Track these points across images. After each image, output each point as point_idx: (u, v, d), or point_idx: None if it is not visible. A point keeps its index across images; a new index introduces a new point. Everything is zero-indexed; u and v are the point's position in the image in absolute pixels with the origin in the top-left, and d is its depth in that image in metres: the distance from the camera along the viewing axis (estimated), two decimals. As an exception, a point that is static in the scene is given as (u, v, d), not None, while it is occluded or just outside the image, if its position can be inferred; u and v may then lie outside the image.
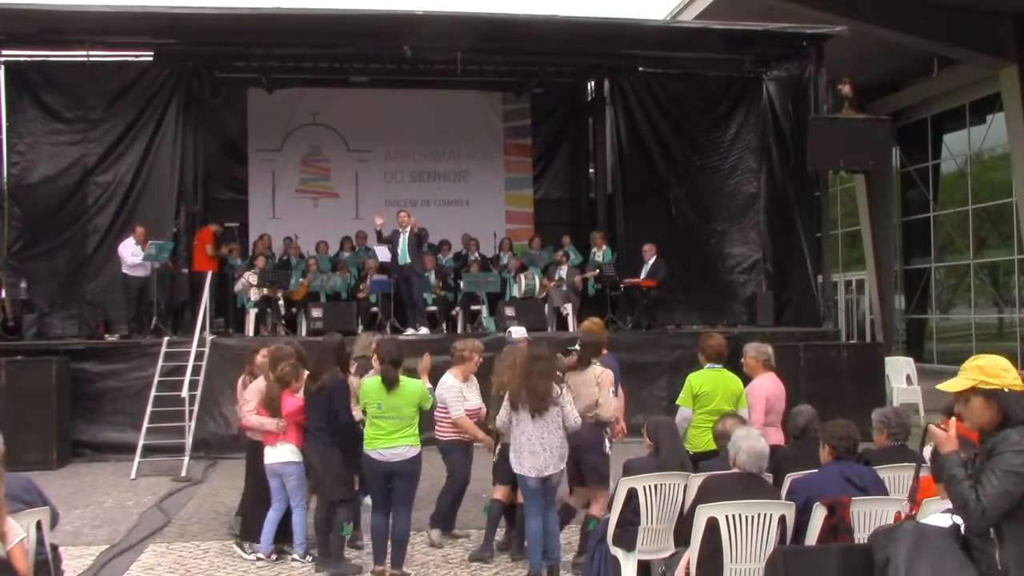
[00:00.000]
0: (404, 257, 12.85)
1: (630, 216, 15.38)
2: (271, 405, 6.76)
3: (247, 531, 7.07)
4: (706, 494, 4.67)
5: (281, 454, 6.76)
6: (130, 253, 12.74)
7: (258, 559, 6.80)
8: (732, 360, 7.11)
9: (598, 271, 14.18)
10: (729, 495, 4.56)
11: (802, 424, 5.70)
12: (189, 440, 10.75)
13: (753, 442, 4.73)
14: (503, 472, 6.72)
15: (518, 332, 7.97)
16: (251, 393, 6.98)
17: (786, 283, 14.86)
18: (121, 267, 12.84)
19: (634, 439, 6.74)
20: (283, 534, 6.90)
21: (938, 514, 3.83)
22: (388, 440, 6.18)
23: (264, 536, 6.83)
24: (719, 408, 6.40)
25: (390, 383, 6.18)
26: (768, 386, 6.69)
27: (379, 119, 16.32)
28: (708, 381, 6.67)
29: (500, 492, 6.88)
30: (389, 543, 6.32)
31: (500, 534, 7.05)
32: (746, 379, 6.81)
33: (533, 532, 6.14)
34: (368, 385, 6.35)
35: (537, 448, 6.07)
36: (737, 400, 6.60)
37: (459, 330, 13.49)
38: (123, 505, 8.88)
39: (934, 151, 21.04)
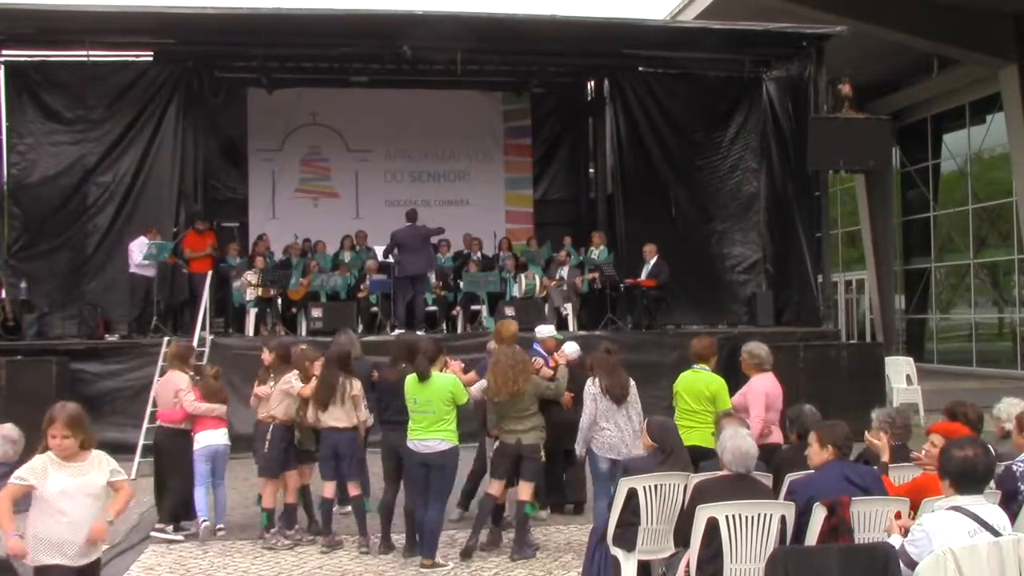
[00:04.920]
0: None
1: (630, 216, 15.37)
2: (217, 395, 7.58)
3: (171, 514, 7.53)
4: (698, 498, 4.68)
5: (221, 437, 7.53)
6: (140, 253, 12.77)
7: (216, 530, 7.46)
8: (727, 361, 7.13)
9: (597, 271, 14.15)
10: (719, 497, 4.56)
11: (810, 425, 5.69)
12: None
13: (739, 442, 4.73)
14: (501, 467, 6.93)
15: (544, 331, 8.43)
16: (184, 383, 7.55)
17: (786, 283, 14.84)
18: (129, 266, 12.85)
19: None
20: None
21: (942, 511, 3.83)
22: (423, 433, 6.51)
23: (201, 510, 7.37)
24: (688, 407, 6.68)
25: (423, 376, 6.49)
26: (766, 386, 6.70)
27: (379, 119, 16.31)
28: (682, 382, 6.91)
29: (495, 487, 7.00)
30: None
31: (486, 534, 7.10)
32: (747, 379, 6.85)
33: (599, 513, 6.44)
34: (408, 380, 6.65)
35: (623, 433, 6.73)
36: (713, 401, 6.64)
37: (459, 330, 13.48)
38: (123, 505, 8.87)
39: (934, 151, 21.03)
